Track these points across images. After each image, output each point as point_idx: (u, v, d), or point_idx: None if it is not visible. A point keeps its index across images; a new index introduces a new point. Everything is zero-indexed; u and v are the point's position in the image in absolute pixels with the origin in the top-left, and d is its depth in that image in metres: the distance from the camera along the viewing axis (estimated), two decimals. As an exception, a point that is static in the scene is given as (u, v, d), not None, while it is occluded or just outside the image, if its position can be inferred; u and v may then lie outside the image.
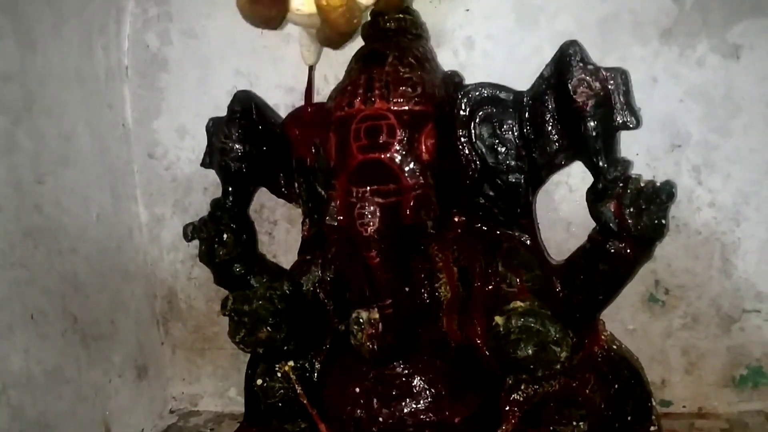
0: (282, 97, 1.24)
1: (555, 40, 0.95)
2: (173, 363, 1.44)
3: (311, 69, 1.18)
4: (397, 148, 0.84)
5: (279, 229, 1.32)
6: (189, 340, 1.42)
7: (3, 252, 1.08)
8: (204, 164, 1.07)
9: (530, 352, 0.81)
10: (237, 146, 1.02)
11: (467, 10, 1.19)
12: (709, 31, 1.12)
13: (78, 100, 1.25)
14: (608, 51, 1.14)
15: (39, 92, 1.16)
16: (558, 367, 0.82)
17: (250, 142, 1.02)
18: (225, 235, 1.01)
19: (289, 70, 1.25)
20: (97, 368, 1.26)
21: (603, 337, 0.95)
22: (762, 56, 1.11)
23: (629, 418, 0.92)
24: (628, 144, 1.15)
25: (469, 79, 1.01)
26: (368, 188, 0.83)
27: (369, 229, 0.82)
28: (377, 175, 0.84)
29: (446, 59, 1.19)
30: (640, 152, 1.17)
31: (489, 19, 1.19)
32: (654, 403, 0.97)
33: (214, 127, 1.04)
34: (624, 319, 1.21)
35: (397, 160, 0.84)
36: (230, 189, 1.04)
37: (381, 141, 0.84)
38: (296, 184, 1.03)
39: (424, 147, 0.85)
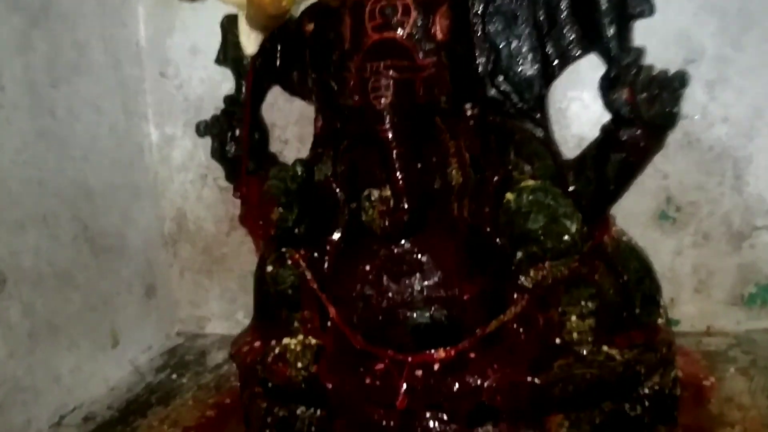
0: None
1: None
2: (181, 285, 1.45)
3: (253, 60, 1.04)
4: (412, 26, 0.85)
5: (290, 147, 1.32)
6: (197, 262, 1.43)
7: (16, 149, 1.09)
8: (218, 60, 1.07)
9: (541, 223, 0.82)
10: (251, 40, 1.02)
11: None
12: (726, -60, 1.12)
13: (93, 12, 1.25)
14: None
15: (55, -3, 1.17)
16: (568, 239, 0.83)
17: (264, 37, 1.02)
18: (237, 131, 1.02)
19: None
20: (106, 280, 1.27)
21: (613, 229, 0.95)
22: (778, -32, 1.11)
23: (637, 310, 0.92)
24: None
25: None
26: (382, 63, 0.83)
27: (383, 101, 0.82)
28: (392, 52, 0.84)
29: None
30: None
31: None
32: (662, 298, 0.97)
33: (229, 23, 1.04)
34: (634, 236, 1.20)
35: (411, 39, 0.85)
36: (243, 84, 1.04)
37: (396, 20, 0.85)
38: (309, 81, 1.03)
39: (438, 27, 0.86)
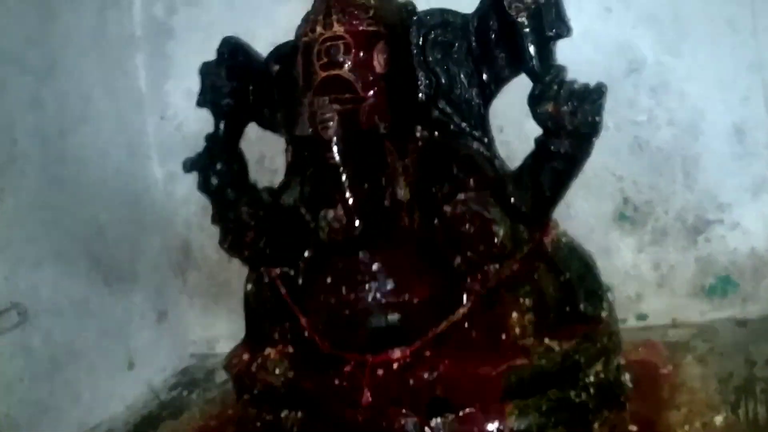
0: (276, 53, 1.37)
1: (513, -25, 1.05)
2: (191, 309, 1.57)
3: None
4: (353, 63, 0.96)
5: (279, 176, 1.43)
6: (204, 287, 1.55)
7: (32, 195, 1.23)
8: (198, 103, 1.19)
9: (471, 229, 0.92)
10: (225, 84, 1.14)
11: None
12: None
13: (95, 65, 1.40)
14: (563, -16, 1.24)
15: (60, 56, 1.31)
16: (497, 243, 0.92)
17: (236, 80, 1.14)
18: (218, 165, 1.13)
19: (282, 28, 1.38)
20: (119, 307, 1.40)
21: (553, 231, 1.03)
22: (703, -23, 1.19)
23: (581, 305, 1.00)
24: (588, 69, 1.23)
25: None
26: (327, 98, 0.95)
27: (329, 132, 0.94)
28: (336, 87, 0.96)
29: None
30: (600, 77, 1.24)
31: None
32: (607, 294, 1.05)
33: (205, 68, 1.17)
34: (598, 238, 1.29)
35: (353, 74, 0.96)
36: (221, 123, 1.16)
37: (339, 59, 0.96)
38: (278, 115, 1.15)
39: (376, 61, 0.97)
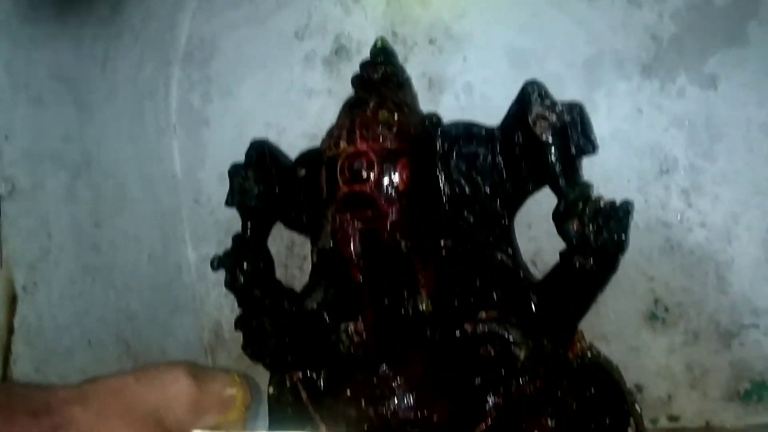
0: (307, 144, 1.38)
1: (546, 81, 1.04)
2: (221, 390, 1.58)
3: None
4: (375, 180, 0.97)
5: (308, 263, 1.45)
6: (233, 368, 1.56)
7: (65, 286, 1.26)
8: (227, 203, 1.22)
9: (492, 352, 0.91)
10: (253, 186, 1.17)
11: (464, 58, 1.32)
12: (686, 63, 1.20)
13: (131, 155, 1.44)
14: (594, 87, 1.24)
15: (96, 151, 1.35)
16: (518, 365, 0.91)
17: (264, 182, 1.17)
18: (245, 264, 1.16)
19: (312, 120, 1.41)
20: (149, 391, 1.41)
21: (579, 345, 1.02)
22: (737, 84, 1.18)
23: (608, 421, 0.98)
24: (620, 171, 1.24)
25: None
26: (349, 215, 0.96)
27: (350, 249, 0.95)
28: (359, 203, 0.97)
29: (449, 103, 1.32)
30: (631, 179, 1.24)
31: (485, 65, 1.31)
32: (635, 407, 1.03)
33: (234, 170, 1.19)
34: (628, 337, 1.27)
35: (375, 191, 0.97)
36: (248, 223, 1.18)
37: (362, 174, 0.97)
38: (304, 217, 1.16)
39: (398, 178, 0.98)
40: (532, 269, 1.11)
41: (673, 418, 1.26)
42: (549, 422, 0.94)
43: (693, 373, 1.25)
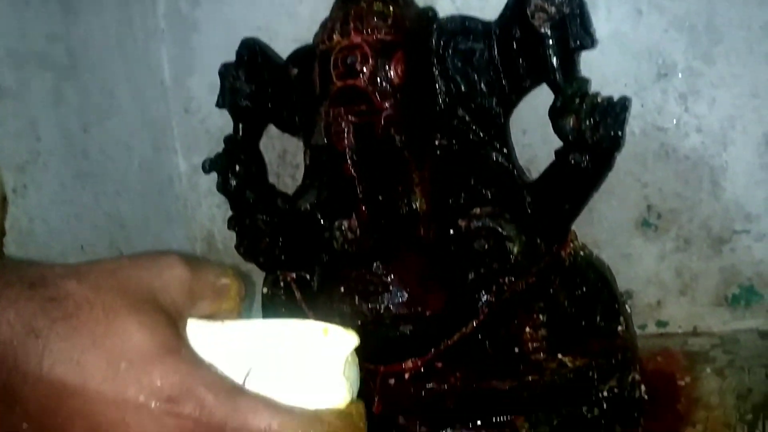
0: (298, 49, 1.37)
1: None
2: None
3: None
4: (370, 73, 0.95)
5: (300, 170, 1.43)
6: (227, 277, 1.56)
7: (55, 191, 1.25)
8: (218, 104, 1.20)
9: (485, 246, 0.91)
10: (244, 86, 1.14)
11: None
12: (689, -40, 1.17)
13: (119, 60, 1.40)
14: (594, -14, 1.21)
15: (82, 53, 1.32)
16: (511, 260, 0.91)
17: (255, 82, 1.14)
18: (237, 167, 1.14)
19: (304, 24, 1.37)
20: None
21: (571, 244, 1.02)
22: (741, -19, 1.15)
23: (598, 319, 0.99)
24: (616, 74, 1.22)
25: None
26: (342, 108, 0.94)
27: (344, 143, 0.93)
28: (352, 97, 0.95)
29: (445, 5, 1.29)
30: (628, 83, 1.22)
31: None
32: (625, 307, 1.04)
33: (225, 70, 1.17)
34: (620, 244, 1.27)
35: (369, 85, 0.95)
36: (240, 125, 1.17)
37: (356, 68, 0.95)
38: (296, 118, 1.14)
39: (393, 72, 0.96)
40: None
41: (661, 324, 1.27)
42: (540, 318, 0.95)
43: (683, 279, 1.26)
